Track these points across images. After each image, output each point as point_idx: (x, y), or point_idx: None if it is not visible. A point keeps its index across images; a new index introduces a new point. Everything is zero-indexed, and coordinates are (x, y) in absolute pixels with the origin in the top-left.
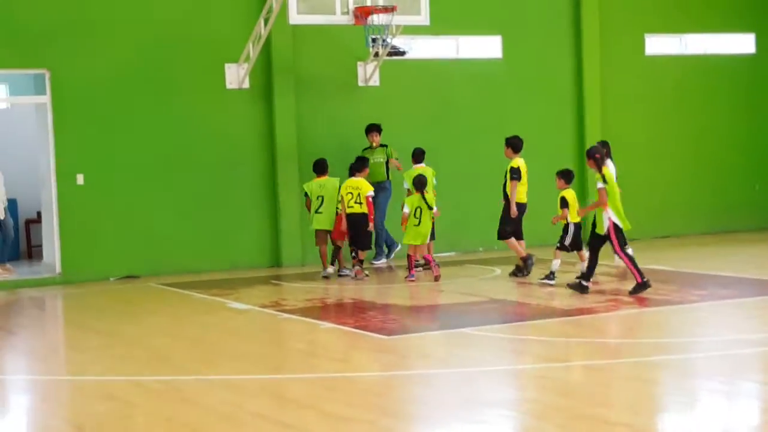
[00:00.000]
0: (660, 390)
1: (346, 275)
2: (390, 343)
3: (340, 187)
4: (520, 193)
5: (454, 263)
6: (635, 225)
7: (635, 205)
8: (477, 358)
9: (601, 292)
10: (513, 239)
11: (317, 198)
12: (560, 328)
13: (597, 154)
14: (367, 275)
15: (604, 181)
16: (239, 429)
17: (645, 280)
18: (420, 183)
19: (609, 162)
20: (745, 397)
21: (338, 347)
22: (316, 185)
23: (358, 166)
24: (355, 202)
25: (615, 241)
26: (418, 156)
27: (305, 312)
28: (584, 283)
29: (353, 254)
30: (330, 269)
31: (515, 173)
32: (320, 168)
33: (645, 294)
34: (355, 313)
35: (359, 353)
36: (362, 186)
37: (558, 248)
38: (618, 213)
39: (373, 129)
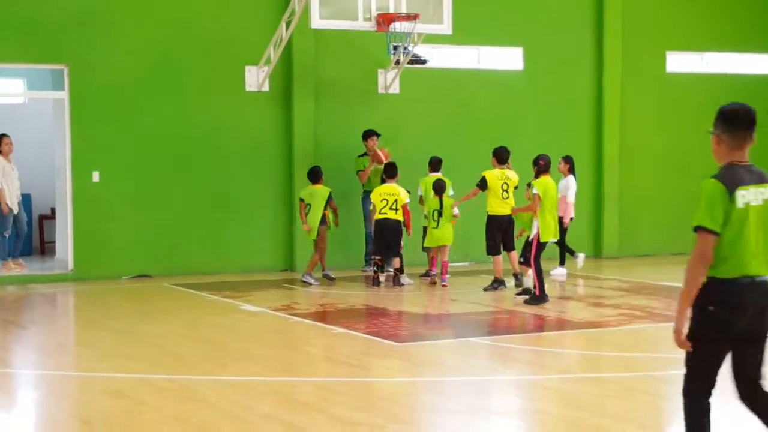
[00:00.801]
0: (670, 404)
1: (309, 282)
2: (401, 349)
3: (329, 195)
4: (493, 204)
5: (467, 273)
6: (652, 242)
7: (652, 221)
8: (487, 367)
9: (614, 305)
10: (499, 257)
11: (307, 206)
12: (571, 340)
13: (541, 161)
14: (411, 282)
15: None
16: (248, 430)
17: (544, 294)
18: (439, 188)
19: (571, 178)
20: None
21: (349, 352)
22: (307, 193)
23: (392, 172)
24: (390, 209)
25: (534, 250)
26: (434, 164)
27: (317, 316)
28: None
29: (376, 265)
30: (382, 277)
31: (480, 181)
32: (313, 176)
33: (656, 309)
34: (366, 319)
35: (370, 359)
36: (399, 193)
37: (521, 263)
38: (544, 225)
39: (373, 134)
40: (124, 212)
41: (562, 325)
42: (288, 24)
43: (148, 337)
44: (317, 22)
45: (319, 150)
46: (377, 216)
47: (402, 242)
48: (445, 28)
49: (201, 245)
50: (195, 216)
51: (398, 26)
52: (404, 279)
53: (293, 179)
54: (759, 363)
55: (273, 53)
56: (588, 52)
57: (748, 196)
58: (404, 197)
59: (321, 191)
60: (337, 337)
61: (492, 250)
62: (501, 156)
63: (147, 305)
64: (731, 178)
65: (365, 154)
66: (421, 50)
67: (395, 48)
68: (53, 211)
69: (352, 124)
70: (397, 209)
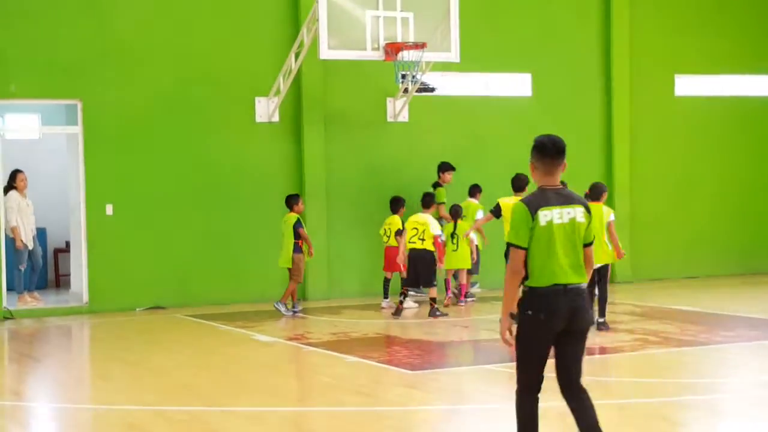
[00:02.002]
0: (684, 430)
1: (296, 312)
2: (414, 378)
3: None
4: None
5: (480, 299)
6: (665, 266)
7: (664, 245)
8: (500, 395)
9: (628, 330)
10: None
11: (283, 234)
12: (586, 366)
13: (587, 190)
14: (446, 314)
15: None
16: None
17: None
18: (455, 212)
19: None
20: None
21: (363, 381)
22: (282, 221)
23: (426, 202)
24: (419, 238)
25: None
26: (471, 191)
27: (330, 345)
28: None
29: (402, 294)
30: (384, 303)
31: (494, 207)
32: (287, 203)
33: (670, 334)
34: (379, 348)
35: (384, 387)
36: (428, 224)
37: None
38: None
39: (450, 168)
40: (138, 244)
41: None
42: (297, 55)
43: (162, 368)
44: (326, 53)
45: (330, 179)
46: (408, 246)
47: (435, 272)
48: (453, 56)
49: (213, 276)
50: (207, 247)
51: (406, 55)
52: (408, 303)
53: (304, 209)
54: (576, 355)
55: (282, 84)
56: (596, 77)
57: (550, 215)
58: (434, 229)
59: (290, 219)
60: (350, 366)
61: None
62: (515, 184)
63: (161, 337)
64: (536, 200)
65: (439, 184)
66: (429, 78)
67: (403, 77)
68: (68, 244)
69: (362, 153)
70: (424, 239)
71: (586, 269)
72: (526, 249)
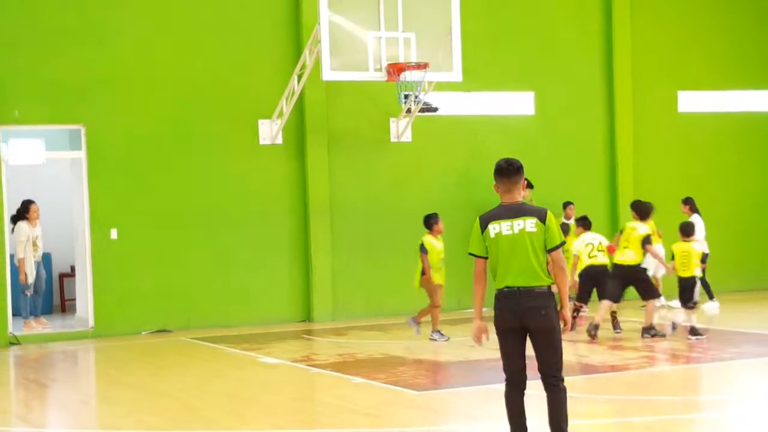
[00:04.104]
0: None
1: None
2: (421, 398)
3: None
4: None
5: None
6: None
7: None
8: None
9: (634, 348)
10: (605, 302)
11: None
12: (592, 384)
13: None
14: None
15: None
16: None
17: None
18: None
19: (696, 216)
20: None
21: (369, 402)
22: None
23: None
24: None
25: None
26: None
27: (336, 367)
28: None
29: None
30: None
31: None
32: (424, 223)
33: (677, 351)
34: (386, 369)
35: (391, 408)
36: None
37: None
38: None
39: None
40: (143, 268)
41: (583, 369)
42: (300, 77)
43: (168, 391)
44: (328, 74)
45: (333, 200)
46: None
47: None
48: (455, 75)
49: (219, 298)
50: (212, 269)
51: (408, 75)
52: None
53: (308, 230)
54: (543, 353)
55: (285, 106)
56: (599, 94)
57: (499, 228)
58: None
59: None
60: (357, 388)
61: (579, 299)
62: (638, 210)
63: (166, 360)
64: (489, 216)
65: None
66: (431, 98)
67: (406, 97)
68: (73, 269)
69: (365, 174)
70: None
71: (555, 272)
72: (483, 257)
